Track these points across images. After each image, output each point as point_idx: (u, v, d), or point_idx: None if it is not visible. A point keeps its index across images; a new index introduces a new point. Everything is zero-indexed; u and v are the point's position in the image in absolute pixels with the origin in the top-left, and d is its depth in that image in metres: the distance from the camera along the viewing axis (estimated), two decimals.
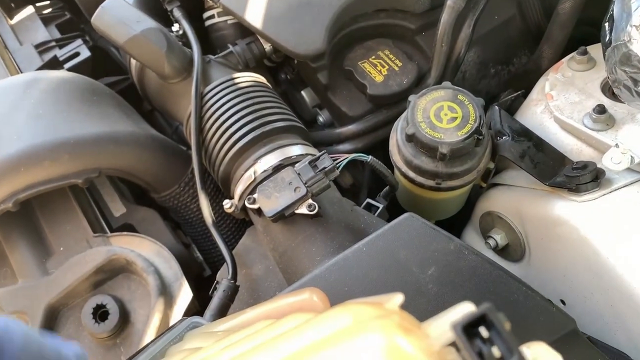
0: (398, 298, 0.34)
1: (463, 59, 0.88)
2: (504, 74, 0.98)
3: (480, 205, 0.85)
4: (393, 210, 0.80)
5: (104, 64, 1.11)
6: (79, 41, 1.04)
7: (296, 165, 0.68)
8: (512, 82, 0.97)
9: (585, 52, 0.81)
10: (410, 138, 0.72)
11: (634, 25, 0.60)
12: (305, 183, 0.66)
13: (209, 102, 0.80)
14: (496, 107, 0.79)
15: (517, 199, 0.78)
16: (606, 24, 0.69)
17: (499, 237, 0.82)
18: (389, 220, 0.60)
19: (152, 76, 0.87)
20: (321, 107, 0.97)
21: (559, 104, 0.79)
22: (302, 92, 0.97)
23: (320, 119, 0.96)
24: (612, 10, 0.67)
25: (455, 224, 0.93)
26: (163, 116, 1.12)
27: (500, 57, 0.95)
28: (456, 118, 0.71)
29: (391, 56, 0.88)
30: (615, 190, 0.68)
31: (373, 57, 0.88)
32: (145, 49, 0.81)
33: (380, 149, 0.87)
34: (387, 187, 0.79)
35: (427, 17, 0.88)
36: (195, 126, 0.79)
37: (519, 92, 0.90)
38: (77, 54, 1.02)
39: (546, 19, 0.92)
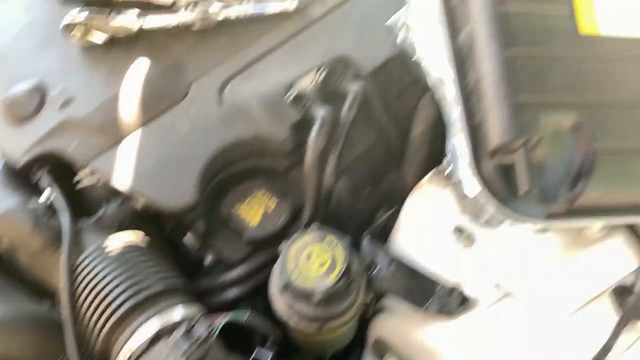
0: None
1: (333, 189, 0.92)
2: (378, 193, 1.03)
3: (369, 332, 0.86)
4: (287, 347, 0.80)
5: None
6: None
7: (171, 337, 0.67)
8: (385, 200, 1.02)
9: (441, 172, 0.87)
10: (285, 288, 0.73)
11: (463, 167, 0.66)
12: (182, 356, 0.65)
13: (81, 274, 0.78)
14: (366, 239, 0.82)
15: (400, 325, 0.81)
16: (446, 158, 0.75)
17: None
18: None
19: (22, 252, 0.84)
20: (206, 250, 0.97)
21: (424, 225, 0.84)
22: (185, 238, 0.97)
23: (207, 261, 0.96)
24: (448, 146, 0.73)
25: (355, 348, 0.94)
26: None
27: (369, 179, 1.00)
28: (325, 262, 0.73)
29: (265, 197, 0.90)
30: (482, 311, 0.72)
31: (248, 199, 0.90)
32: (10, 229, 0.79)
33: (266, 290, 0.87)
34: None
35: (295, 156, 0.92)
36: (68, 303, 0.76)
37: (392, 211, 0.95)
38: None
39: (405, 141, 0.98)
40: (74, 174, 0.95)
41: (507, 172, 0.62)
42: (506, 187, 0.61)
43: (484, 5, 0.63)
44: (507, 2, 0.62)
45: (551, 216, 0.62)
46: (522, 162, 0.58)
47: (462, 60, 0.65)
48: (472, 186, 0.64)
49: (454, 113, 0.68)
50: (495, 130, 0.60)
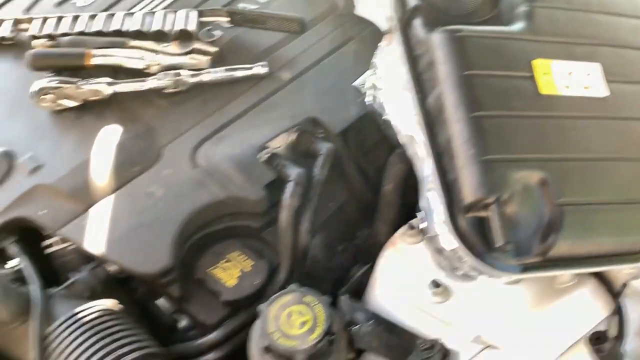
0: None
1: (309, 247, 0.93)
2: (352, 248, 1.04)
3: None
4: None
5: None
6: None
7: None
8: (360, 256, 1.03)
9: (413, 227, 0.89)
10: (267, 349, 0.72)
11: (437, 222, 0.68)
12: None
13: (53, 344, 0.75)
14: (344, 297, 0.82)
15: None
16: (419, 214, 0.77)
17: None
18: None
19: None
20: (181, 312, 0.95)
21: (400, 280, 0.85)
22: (158, 302, 0.95)
23: (181, 324, 0.94)
24: (421, 202, 0.76)
25: None
26: None
27: (344, 235, 1.02)
28: (306, 322, 0.73)
29: (241, 257, 0.90)
30: None
31: (224, 260, 0.90)
32: None
33: (244, 352, 0.86)
34: None
35: (269, 215, 0.93)
36: None
37: (367, 266, 0.96)
38: None
39: (377, 197, 1.01)
40: (43, 238, 0.93)
41: (481, 227, 0.64)
42: (481, 241, 0.63)
43: (449, 70, 0.67)
44: (471, 67, 0.66)
45: (525, 268, 0.64)
46: (496, 217, 0.61)
47: (432, 122, 0.69)
48: (449, 241, 0.66)
49: (426, 170, 0.71)
50: (468, 188, 0.63)
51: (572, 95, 0.69)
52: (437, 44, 0.68)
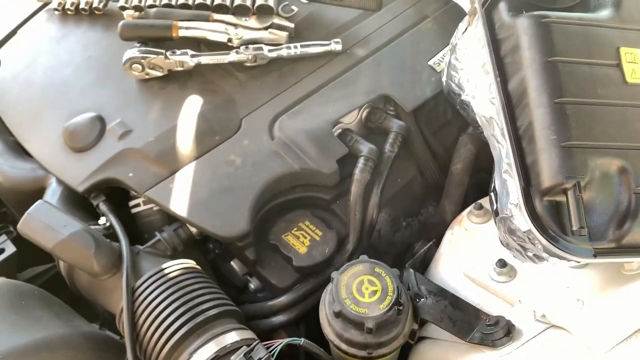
0: None
1: (376, 221, 0.97)
2: (415, 224, 1.07)
3: None
4: None
5: (29, 252, 1.11)
6: (3, 237, 1.04)
7: (232, 358, 0.70)
8: (423, 232, 1.06)
9: (481, 207, 0.91)
10: (338, 314, 0.77)
11: (512, 204, 0.70)
12: None
13: (140, 297, 0.82)
14: (411, 271, 0.86)
15: (442, 354, 0.83)
16: (492, 194, 0.79)
17: None
18: None
19: (82, 273, 0.88)
20: (251, 275, 1.01)
21: (466, 258, 0.87)
22: (232, 263, 1.01)
23: (252, 285, 1.00)
24: (494, 183, 0.78)
25: None
26: None
27: (409, 211, 1.05)
28: (376, 291, 0.77)
29: (311, 226, 0.94)
30: (526, 342, 0.75)
31: (295, 229, 0.94)
32: (73, 252, 0.83)
33: (312, 317, 0.91)
34: None
35: (339, 188, 0.97)
36: (129, 323, 0.80)
37: (431, 242, 0.99)
38: (2, 251, 1.02)
39: (443, 175, 1.03)
40: (130, 199, 1.00)
41: (556, 211, 0.66)
42: (556, 224, 0.65)
43: (534, 55, 0.68)
44: (556, 53, 0.67)
45: (598, 253, 0.65)
46: (573, 202, 0.62)
47: (512, 105, 0.70)
48: (523, 223, 0.68)
49: (503, 152, 0.73)
50: (547, 172, 0.64)
51: None
52: (522, 28, 0.69)
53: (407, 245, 1.05)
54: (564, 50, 0.67)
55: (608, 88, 0.67)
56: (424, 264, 0.98)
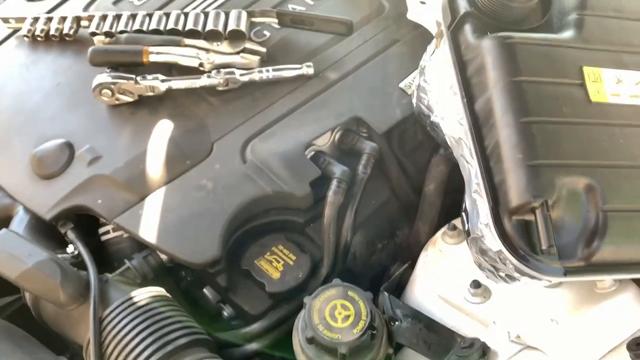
0: None
1: (350, 243, 0.96)
2: (391, 246, 1.06)
3: None
4: None
5: None
6: None
7: None
8: (399, 254, 1.05)
9: (454, 228, 0.91)
10: (311, 340, 0.75)
11: (483, 224, 0.70)
12: None
13: (108, 326, 0.80)
14: (385, 294, 0.85)
15: None
16: (463, 214, 0.79)
17: None
18: None
19: (48, 303, 0.86)
20: (225, 302, 0.99)
21: (440, 280, 0.87)
22: (204, 290, 0.99)
23: (225, 313, 0.98)
24: (465, 204, 0.77)
25: None
26: None
27: (384, 233, 1.04)
28: (350, 316, 0.76)
29: (285, 251, 0.93)
30: None
31: (268, 253, 0.93)
32: (38, 282, 0.81)
33: (286, 342, 0.89)
34: None
35: (313, 211, 0.96)
36: (95, 354, 0.78)
37: (406, 265, 0.98)
38: None
39: (417, 196, 1.03)
40: (99, 226, 0.98)
41: (526, 230, 0.66)
42: (526, 244, 0.65)
43: (499, 76, 0.68)
44: (521, 73, 0.68)
45: (569, 272, 0.65)
46: (542, 221, 0.62)
47: (480, 125, 0.70)
48: (493, 243, 0.67)
49: (472, 172, 0.73)
50: (515, 191, 0.64)
51: (621, 104, 0.70)
52: (487, 50, 0.70)
53: (384, 268, 1.04)
54: (528, 70, 0.68)
55: (573, 107, 0.67)
56: (400, 287, 0.98)
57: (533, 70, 0.68)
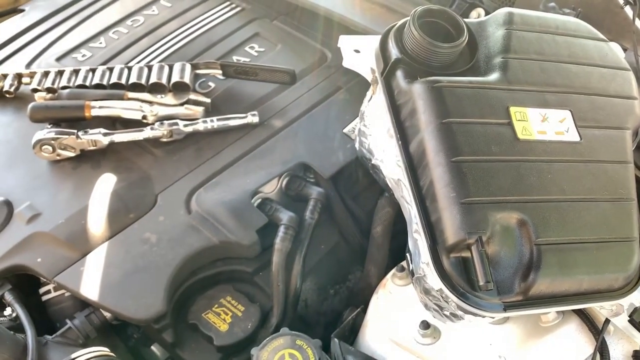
0: None
1: (300, 290, 0.95)
2: (344, 291, 1.05)
3: None
4: None
5: None
6: None
7: None
8: (352, 298, 1.05)
9: (403, 269, 0.91)
10: None
11: (424, 263, 0.71)
12: None
13: None
14: (336, 341, 0.84)
15: None
16: (407, 255, 0.79)
17: None
18: None
19: None
20: (173, 359, 0.95)
21: (391, 323, 0.86)
22: (152, 347, 0.96)
23: None
24: (408, 244, 0.78)
25: None
26: None
27: (335, 278, 1.03)
28: None
29: (233, 302, 0.91)
30: None
31: (216, 305, 0.91)
32: None
33: None
34: None
35: (261, 259, 0.95)
36: None
37: (359, 309, 0.97)
38: None
39: (366, 239, 1.03)
40: (39, 285, 0.94)
41: (464, 267, 0.66)
42: (465, 281, 0.66)
43: (429, 118, 0.70)
44: (450, 115, 0.70)
45: (508, 307, 0.66)
46: (477, 257, 0.63)
47: (415, 166, 0.72)
48: (434, 281, 0.68)
49: (412, 212, 0.74)
50: (450, 229, 0.65)
51: (548, 140, 0.72)
52: (417, 94, 0.72)
53: (338, 314, 1.03)
54: (456, 111, 0.70)
55: (501, 145, 0.70)
56: (354, 332, 0.96)
57: (461, 112, 0.70)
